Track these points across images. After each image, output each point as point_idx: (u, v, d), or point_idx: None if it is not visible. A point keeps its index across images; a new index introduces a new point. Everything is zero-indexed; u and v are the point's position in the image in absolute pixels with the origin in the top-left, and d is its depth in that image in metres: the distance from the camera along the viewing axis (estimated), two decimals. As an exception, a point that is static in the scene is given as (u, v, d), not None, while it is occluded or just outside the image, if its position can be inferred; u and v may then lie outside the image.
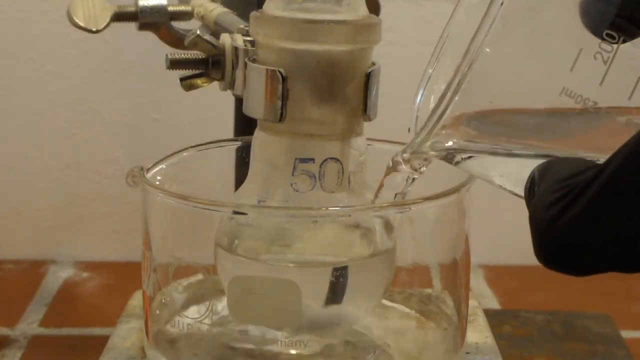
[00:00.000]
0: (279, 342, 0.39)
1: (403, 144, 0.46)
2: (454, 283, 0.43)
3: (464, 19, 0.35)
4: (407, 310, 0.46)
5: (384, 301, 0.45)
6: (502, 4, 0.32)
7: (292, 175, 0.40)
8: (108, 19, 0.52)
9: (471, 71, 0.33)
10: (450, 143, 0.35)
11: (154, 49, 0.57)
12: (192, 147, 0.46)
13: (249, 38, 0.42)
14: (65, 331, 0.66)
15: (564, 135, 0.32)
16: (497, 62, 0.33)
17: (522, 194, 0.31)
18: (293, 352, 0.39)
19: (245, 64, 0.41)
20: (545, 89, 0.33)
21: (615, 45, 0.31)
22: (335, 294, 0.40)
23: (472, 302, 0.45)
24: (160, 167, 0.44)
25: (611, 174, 0.26)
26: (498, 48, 0.33)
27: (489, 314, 0.51)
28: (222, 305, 0.42)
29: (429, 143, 0.35)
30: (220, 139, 0.47)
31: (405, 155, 0.37)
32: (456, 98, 0.33)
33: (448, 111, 0.33)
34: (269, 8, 0.40)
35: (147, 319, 0.42)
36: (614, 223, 0.26)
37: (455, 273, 0.43)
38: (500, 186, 0.35)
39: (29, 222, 0.77)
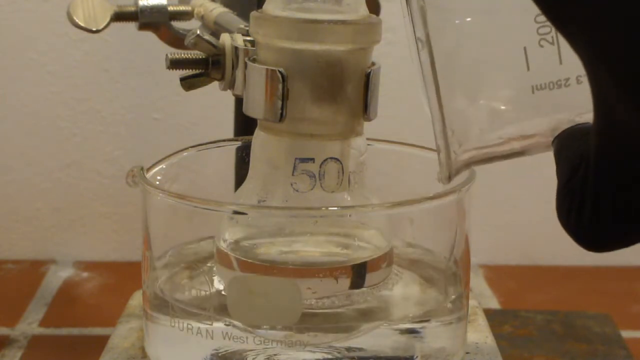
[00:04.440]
0: (279, 342, 0.39)
1: (403, 144, 0.47)
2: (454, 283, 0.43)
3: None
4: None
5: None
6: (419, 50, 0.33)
7: (292, 175, 0.40)
8: (108, 19, 0.52)
9: (448, 126, 0.33)
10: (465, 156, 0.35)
11: (154, 49, 0.57)
12: (192, 147, 0.46)
13: (249, 38, 0.42)
14: (65, 331, 0.66)
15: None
16: (461, 102, 0.33)
17: None
18: (293, 352, 0.39)
19: (245, 63, 0.41)
20: (518, 97, 0.33)
21: (550, 24, 0.31)
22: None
23: (472, 302, 0.45)
24: (160, 167, 0.44)
25: (594, 172, 0.27)
26: (453, 91, 0.33)
27: (489, 314, 0.51)
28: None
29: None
30: (220, 139, 0.47)
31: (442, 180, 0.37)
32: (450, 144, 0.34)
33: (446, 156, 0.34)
34: (269, 8, 0.40)
35: (146, 319, 0.42)
36: (617, 220, 0.27)
37: (456, 273, 0.43)
38: None
39: (29, 222, 0.77)
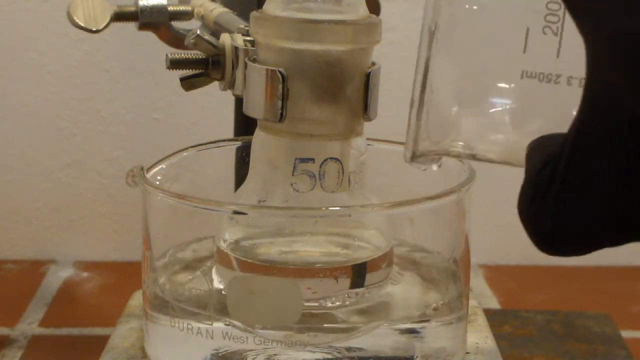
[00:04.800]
0: (279, 342, 0.39)
1: (403, 144, 0.46)
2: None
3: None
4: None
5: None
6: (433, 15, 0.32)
7: (292, 175, 0.40)
8: (108, 19, 0.52)
9: (428, 80, 0.33)
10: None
11: (154, 49, 0.57)
12: (192, 147, 0.46)
13: (249, 38, 0.42)
14: (65, 331, 0.66)
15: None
16: (451, 64, 0.33)
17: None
18: (293, 352, 0.39)
19: (245, 64, 0.41)
20: (505, 77, 0.33)
21: (560, 14, 0.31)
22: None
23: (472, 302, 0.45)
24: (160, 167, 0.44)
25: (565, 164, 0.27)
26: (447, 50, 0.33)
27: (489, 314, 0.51)
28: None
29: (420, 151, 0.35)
30: (220, 139, 0.47)
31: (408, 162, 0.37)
32: (424, 111, 0.33)
33: (422, 123, 0.34)
34: (269, 8, 0.40)
35: (146, 318, 0.42)
36: (581, 208, 0.27)
37: (455, 273, 0.43)
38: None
39: (29, 222, 0.77)
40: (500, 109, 0.33)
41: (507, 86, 0.33)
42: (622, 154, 0.26)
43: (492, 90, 0.33)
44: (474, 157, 0.35)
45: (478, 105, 0.34)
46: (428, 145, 0.35)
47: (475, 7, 0.33)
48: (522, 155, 0.31)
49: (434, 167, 0.38)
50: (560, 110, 0.30)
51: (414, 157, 0.36)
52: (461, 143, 0.35)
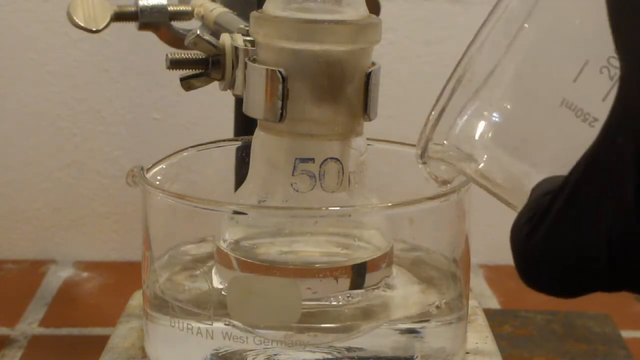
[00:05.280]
0: (279, 342, 0.39)
1: (403, 144, 0.46)
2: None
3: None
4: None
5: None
6: (507, 6, 0.32)
7: (292, 175, 0.40)
8: (108, 19, 0.52)
9: (471, 69, 0.32)
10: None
11: (154, 49, 0.57)
12: (192, 147, 0.46)
13: (249, 38, 0.42)
14: (65, 331, 0.66)
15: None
16: (498, 64, 0.32)
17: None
18: (293, 352, 0.39)
19: (245, 64, 0.41)
20: (544, 97, 0.32)
21: None
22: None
23: (472, 302, 0.45)
24: (160, 167, 0.44)
25: (570, 190, 0.26)
26: (498, 49, 0.32)
27: (489, 314, 0.51)
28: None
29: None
30: (220, 139, 0.47)
31: (419, 160, 0.36)
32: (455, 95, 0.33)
33: (448, 107, 0.33)
34: (269, 8, 0.40)
35: (146, 318, 0.42)
36: (576, 237, 0.26)
37: (455, 273, 0.43)
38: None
39: (29, 222, 0.77)
40: (520, 126, 0.33)
41: (541, 110, 0.32)
42: (630, 188, 0.24)
43: (526, 101, 0.32)
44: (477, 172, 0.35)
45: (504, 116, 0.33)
46: (440, 150, 0.34)
47: (553, 18, 0.32)
48: (521, 184, 0.30)
49: (439, 182, 0.37)
50: (577, 153, 0.29)
51: (424, 154, 0.35)
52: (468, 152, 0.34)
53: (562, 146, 0.31)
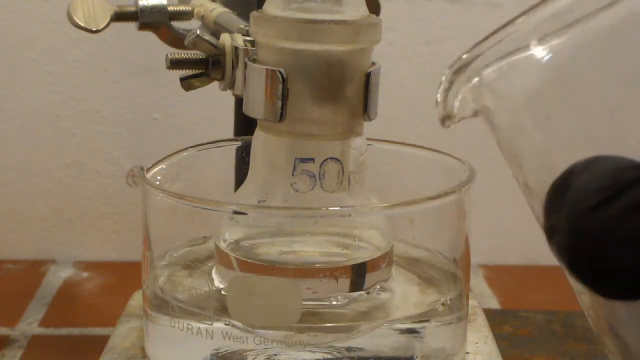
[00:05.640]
0: (279, 342, 0.39)
1: (403, 144, 0.47)
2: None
3: None
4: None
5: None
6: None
7: (292, 175, 0.40)
8: (108, 19, 0.52)
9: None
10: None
11: (154, 49, 0.57)
12: (192, 147, 0.46)
13: (249, 38, 0.42)
14: (65, 331, 0.66)
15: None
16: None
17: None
18: (293, 352, 0.39)
19: (245, 64, 0.41)
20: (601, 103, 0.29)
21: None
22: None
23: (472, 302, 0.45)
24: (160, 167, 0.44)
25: None
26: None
27: (489, 314, 0.51)
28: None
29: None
30: (220, 139, 0.47)
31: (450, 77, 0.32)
32: None
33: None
34: (269, 8, 0.40)
35: (146, 318, 0.42)
36: None
37: (455, 273, 0.43)
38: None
39: (29, 222, 0.77)
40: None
41: (591, 113, 0.31)
42: None
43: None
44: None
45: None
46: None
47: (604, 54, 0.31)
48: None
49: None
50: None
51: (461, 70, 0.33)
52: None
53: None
